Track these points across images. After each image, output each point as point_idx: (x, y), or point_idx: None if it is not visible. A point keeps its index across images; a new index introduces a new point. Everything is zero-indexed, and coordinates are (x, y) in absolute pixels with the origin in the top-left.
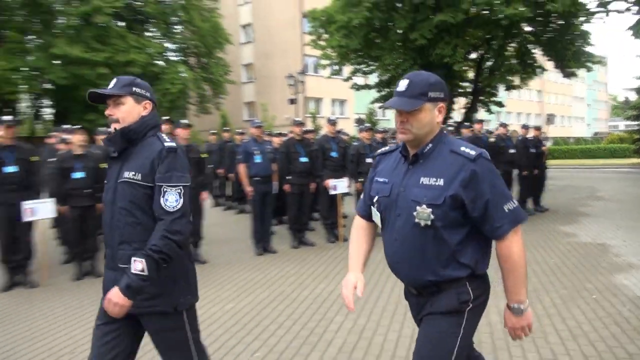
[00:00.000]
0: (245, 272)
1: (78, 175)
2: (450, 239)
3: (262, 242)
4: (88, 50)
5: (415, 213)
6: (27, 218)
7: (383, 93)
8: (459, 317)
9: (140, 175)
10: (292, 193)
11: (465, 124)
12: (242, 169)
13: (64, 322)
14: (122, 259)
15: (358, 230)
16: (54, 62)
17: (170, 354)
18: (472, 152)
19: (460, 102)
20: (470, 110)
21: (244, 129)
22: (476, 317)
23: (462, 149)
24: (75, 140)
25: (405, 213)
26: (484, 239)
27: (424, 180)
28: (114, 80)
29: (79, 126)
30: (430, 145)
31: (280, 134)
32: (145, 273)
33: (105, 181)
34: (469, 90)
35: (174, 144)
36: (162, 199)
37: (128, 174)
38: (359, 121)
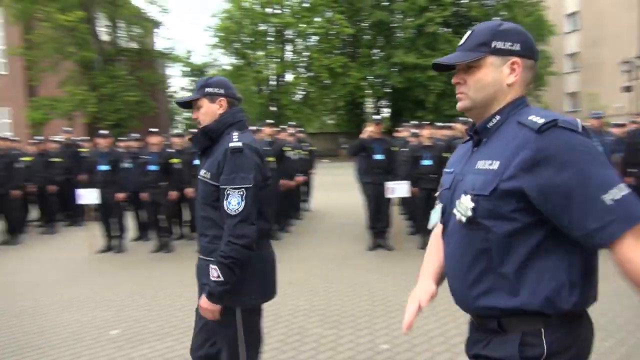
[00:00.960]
0: None
1: (426, 162)
2: (510, 249)
3: None
4: (420, 56)
5: (457, 204)
6: (388, 195)
7: None
8: None
9: (209, 174)
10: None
11: None
12: None
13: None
14: (201, 249)
15: (433, 237)
16: (393, 69)
17: (221, 348)
18: (540, 120)
19: None
20: None
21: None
22: None
23: (531, 117)
24: (424, 133)
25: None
26: (576, 253)
27: (480, 164)
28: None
29: (427, 122)
30: (497, 117)
31: (618, 125)
32: (221, 279)
33: None
34: None
35: (239, 144)
36: (225, 202)
37: (202, 172)
38: None
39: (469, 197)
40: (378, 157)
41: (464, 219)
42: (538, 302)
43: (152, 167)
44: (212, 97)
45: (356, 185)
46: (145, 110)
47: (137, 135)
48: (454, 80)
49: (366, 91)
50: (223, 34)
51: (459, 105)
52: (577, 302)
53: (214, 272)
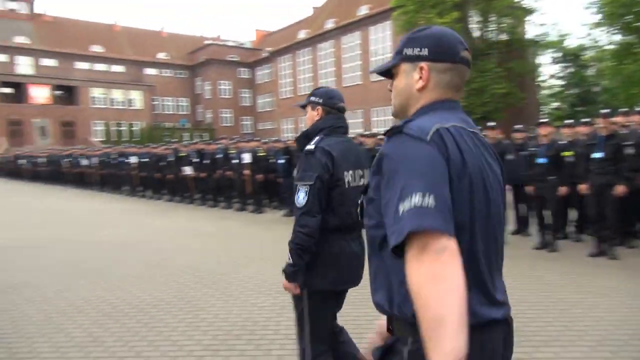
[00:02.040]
0: None
1: None
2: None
3: None
4: None
5: None
6: None
7: None
8: None
9: (296, 172)
10: None
11: None
12: None
13: None
14: None
15: None
16: None
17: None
18: (395, 126)
19: None
20: None
21: None
22: None
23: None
24: None
25: None
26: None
27: None
28: None
29: None
30: None
31: None
32: (291, 261)
33: None
34: None
35: (312, 147)
36: (295, 196)
37: (294, 171)
38: None
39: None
40: None
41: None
42: (392, 304)
43: (541, 160)
44: (314, 105)
45: None
46: (513, 102)
47: (521, 126)
48: (388, 88)
49: None
50: (607, 9)
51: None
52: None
53: (288, 256)
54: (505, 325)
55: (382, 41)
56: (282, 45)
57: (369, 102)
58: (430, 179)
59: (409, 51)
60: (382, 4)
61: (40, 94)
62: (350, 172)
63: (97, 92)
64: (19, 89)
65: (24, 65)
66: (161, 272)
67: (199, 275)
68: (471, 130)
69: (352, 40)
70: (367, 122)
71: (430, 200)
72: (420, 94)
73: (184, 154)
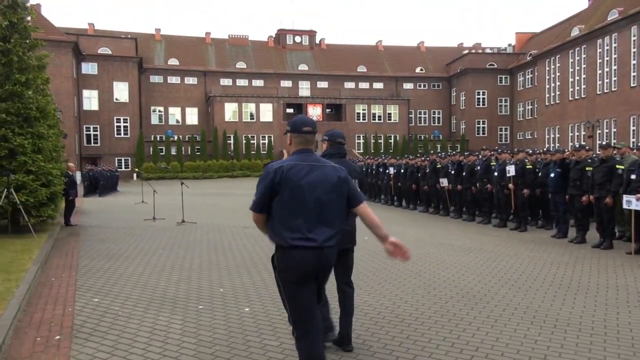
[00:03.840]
0: None
1: None
2: None
3: None
4: None
5: None
6: None
7: None
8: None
9: None
10: None
11: None
12: None
13: None
14: None
15: None
16: None
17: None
18: (267, 163)
19: None
20: None
21: None
22: (281, 286)
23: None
24: None
25: None
26: (277, 215)
27: None
28: None
29: None
30: None
31: None
32: None
33: None
34: None
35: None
36: None
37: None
38: None
39: None
40: None
41: None
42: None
43: None
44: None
45: None
46: None
47: None
48: None
49: None
50: None
51: None
52: (278, 238)
53: None
54: (314, 250)
55: None
56: (549, 47)
57: None
58: (261, 190)
59: (287, 127)
60: None
61: (314, 112)
62: None
63: (360, 109)
64: (299, 109)
65: (303, 89)
66: (419, 283)
67: (459, 291)
68: (308, 163)
69: None
70: None
71: (256, 198)
72: (290, 146)
73: (441, 166)
